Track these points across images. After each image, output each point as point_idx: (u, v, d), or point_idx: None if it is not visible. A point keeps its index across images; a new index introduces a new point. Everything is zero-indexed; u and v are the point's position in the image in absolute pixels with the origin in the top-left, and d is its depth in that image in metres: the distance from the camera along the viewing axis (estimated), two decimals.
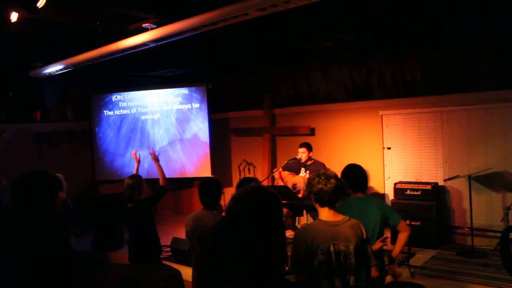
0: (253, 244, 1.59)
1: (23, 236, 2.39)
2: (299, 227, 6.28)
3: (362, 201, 3.44)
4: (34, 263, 2.32)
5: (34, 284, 2.32)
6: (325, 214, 2.73)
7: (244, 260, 1.60)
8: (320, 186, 2.68)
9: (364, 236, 2.77)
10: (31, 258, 2.32)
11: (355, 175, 3.48)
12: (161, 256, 5.65)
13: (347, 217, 2.76)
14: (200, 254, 3.74)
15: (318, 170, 2.81)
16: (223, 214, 1.76)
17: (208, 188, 3.82)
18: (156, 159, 5.10)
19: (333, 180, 2.69)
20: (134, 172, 5.21)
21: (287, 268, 3.52)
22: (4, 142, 8.00)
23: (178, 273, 3.38)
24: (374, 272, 2.82)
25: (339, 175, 3.60)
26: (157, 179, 4.95)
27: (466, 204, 6.35)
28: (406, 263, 5.44)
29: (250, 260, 1.60)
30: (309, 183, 2.76)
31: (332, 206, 2.74)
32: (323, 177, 2.69)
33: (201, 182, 3.91)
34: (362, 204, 3.38)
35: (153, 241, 4.57)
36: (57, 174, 3.65)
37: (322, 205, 2.73)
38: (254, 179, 3.82)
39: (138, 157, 5.44)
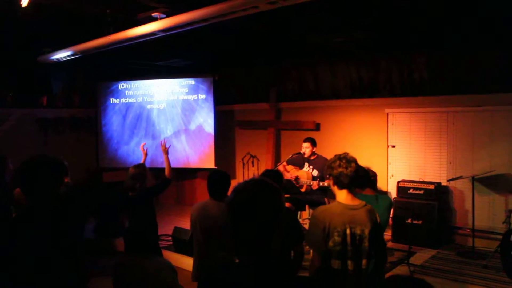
0: (254, 235, 1.62)
1: (30, 220, 2.41)
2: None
3: (365, 196, 3.47)
4: (42, 247, 2.34)
5: (41, 267, 2.34)
6: (343, 197, 2.80)
7: (246, 250, 1.63)
8: (340, 169, 2.75)
9: (378, 222, 2.84)
10: (40, 240, 2.34)
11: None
12: (162, 246, 5.72)
13: (363, 202, 2.82)
14: (203, 244, 3.76)
15: (338, 154, 2.86)
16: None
17: (217, 180, 3.83)
18: (166, 151, 5.12)
19: (353, 164, 2.77)
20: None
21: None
22: (9, 127, 8.03)
23: (171, 265, 3.41)
24: None
25: None
26: (161, 168, 4.98)
27: (468, 205, 6.35)
28: (405, 261, 5.47)
29: (252, 251, 1.63)
30: (329, 165, 2.82)
31: (350, 190, 2.80)
32: (344, 161, 2.77)
33: (210, 173, 3.93)
34: (364, 199, 3.37)
35: (151, 231, 4.60)
36: None
37: (341, 188, 2.79)
38: (276, 171, 3.86)
39: (145, 149, 5.48)
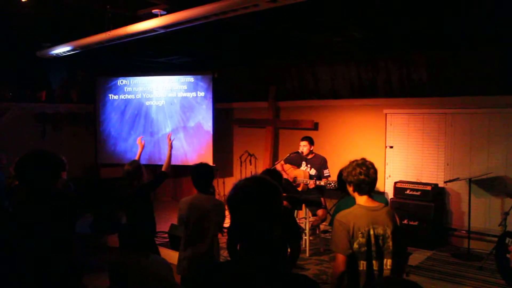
0: (253, 232, 1.63)
1: (27, 215, 2.41)
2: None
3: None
4: (38, 242, 2.34)
5: (35, 263, 2.34)
6: (364, 200, 2.87)
7: (246, 247, 1.65)
8: (362, 177, 2.81)
9: (398, 223, 2.91)
10: (35, 235, 2.34)
11: None
12: (159, 243, 5.71)
13: (382, 204, 2.90)
14: (195, 237, 3.77)
15: (355, 160, 2.91)
16: (216, 197, 1.82)
17: (203, 172, 3.89)
18: (171, 144, 5.14)
19: (372, 171, 2.84)
20: (136, 157, 5.22)
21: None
22: (7, 121, 8.01)
23: (166, 262, 3.42)
24: None
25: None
26: (158, 165, 4.98)
27: (464, 207, 6.37)
28: None
29: (250, 248, 1.64)
30: (349, 173, 2.87)
31: (370, 194, 2.88)
32: (364, 168, 2.83)
33: (194, 167, 3.96)
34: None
35: (149, 228, 4.61)
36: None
37: (362, 194, 2.86)
38: (276, 171, 3.87)
39: (143, 142, 5.46)
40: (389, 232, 2.78)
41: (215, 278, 1.67)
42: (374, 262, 2.76)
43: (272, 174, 3.68)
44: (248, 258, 1.65)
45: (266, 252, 1.64)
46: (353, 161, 2.91)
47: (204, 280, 1.71)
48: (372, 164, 2.88)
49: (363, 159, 2.90)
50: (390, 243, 2.77)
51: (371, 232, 2.75)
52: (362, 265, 2.75)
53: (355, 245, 2.74)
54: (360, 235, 2.74)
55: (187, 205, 3.85)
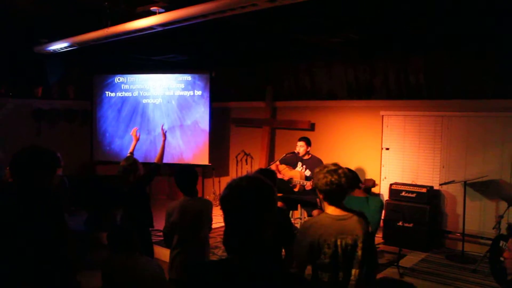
0: (246, 231, 1.62)
1: (21, 212, 2.40)
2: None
3: (358, 199, 3.48)
4: (31, 238, 2.33)
5: (29, 259, 2.33)
6: (332, 209, 2.72)
7: (239, 246, 1.64)
8: (334, 186, 2.64)
9: (370, 229, 2.77)
10: (28, 232, 2.33)
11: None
12: (154, 241, 5.69)
13: (350, 213, 2.73)
14: (187, 240, 3.77)
15: (327, 166, 2.74)
16: (211, 196, 1.83)
17: (187, 176, 3.88)
18: (164, 135, 5.18)
19: (344, 180, 2.66)
20: (131, 149, 5.20)
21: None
22: (3, 117, 7.98)
23: (157, 264, 3.41)
24: None
25: None
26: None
27: (459, 210, 6.39)
28: (395, 264, 5.50)
29: (243, 247, 1.63)
30: (319, 180, 2.70)
31: (340, 204, 2.72)
32: (335, 176, 2.65)
33: (179, 170, 3.95)
34: (358, 201, 3.40)
35: (145, 223, 4.60)
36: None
37: (331, 204, 2.72)
38: (270, 170, 3.86)
39: (138, 135, 5.42)
40: (359, 241, 2.64)
41: (207, 277, 1.66)
42: (340, 273, 2.62)
43: (266, 173, 3.66)
44: (240, 257, 1.64)
45: (259, 252, 1.63)
46: (324, 167, 2.73)
47: (194, 279, 1.70)
48: (344, 173, 2.69)
49: (337, 165, 2.72)
50: (359, 253, 2.64)
51: (338, 242, 2.61)
52: (326, 277, 2.62)
53: (322, 256, 2.61)
54: (326, 246, 2.60)
55: (178, 210, 3.80)
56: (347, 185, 2.67)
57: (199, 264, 2.16)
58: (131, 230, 3.43)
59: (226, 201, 1.65)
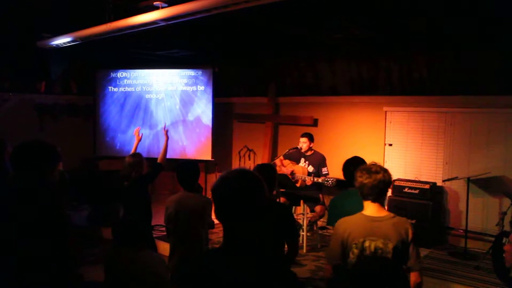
0: (235, 222, 1.70)
1: (22, 205, 2.40)
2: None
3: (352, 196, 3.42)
4: (31, 232, 2.33)
5: (30, 253, 2.33)
6: (368, 207, 2.67)
7: (229, 237, 1.70)
8: (363, 180, 2.63)
9: (409, 237, 2.60)
10: (28, 226, 2.34)
11: (352, 168, 3.48)
12: (156, 236, 5.70)
13: (392, 214, 2.66)
14: (184, 235, 3.76)
15: (364, 166, 2.73)
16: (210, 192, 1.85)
17: (188, 170, 3.86)
18: (166, 135, 5.15)
19: (377, 176, 2.62)
20: (133, 150, 5.20)
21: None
22: (5, 111, 7.99)
23: (161, 258, 3.41)
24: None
25: (340, 167, 3.61)
26: (157, 159, 4.96)
27: (462, 206, 6.37)
28: None
29: (234, 238, 1.70)
30: (355, 177, 2.70)
31: (375, 201, 2.65)
32: (365, 171, 2.64)
33: (179, 164, 3.94)
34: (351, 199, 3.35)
35: (144, 221, 4.60)
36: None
37: (365, 199, 2.68)
38: (269, 165, 3.84)
39: (140, 135, 5.44)
40: (390, 246, 2.53)
41: (202, 266, 1.73)
42: None
43: (264, 168, 3.63)
44: (231, 249, 1.70)
45: (250, 243, 1.69)
46: (360, 167, 2.72)
47: (191, 269, 1.76)
48: (380, 167, 2.66)
49: (371, 164, 2.70)
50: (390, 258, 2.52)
51: (366, 244, 2.54)
52: None
53: (351, 255, 2.55)
54: (353, 246, 2.55)
55: (174, 204, 3.80)
56: (383, 179, 2.62)
57: (194, 257, 2.19)
58: (136, 224, 3.42)
59: (216, 193, 1.72)
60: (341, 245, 2.58)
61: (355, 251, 2.55)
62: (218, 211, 1.72)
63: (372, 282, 1.77)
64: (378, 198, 2.65)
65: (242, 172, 1.75)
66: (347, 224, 2.63)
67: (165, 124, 5.45)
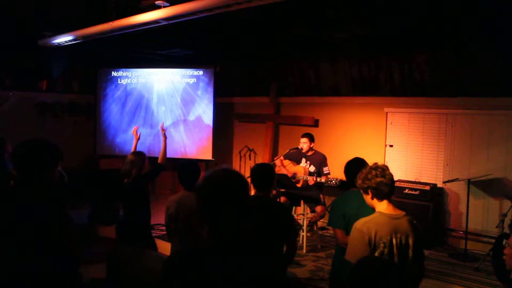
0: (218, 221, 1.72)
1: (23, 205, 2.40)
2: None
3: (361, 195, 3.43)
4: (32, 231, 2.34)
5: (31, 253, 2.33)
6: (384, 207, 2.73)
7: (214, 235, 1.73)
8: (379, 179, 2.68)
9: (421, 231, 2.77)
10: (29, 225, 2.34)
11: (354, 169, 3.47)
12: (156, 235, 5.70)
13: (404, 212, 2.76)
14: (184, 235, 3.76)
15: (369, 166, 2.78)
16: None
17: (189, 170, 3.86)
18: (164, 135, 5.15)
19: (388, 172, 2.70)
20: (132, 149, 5.20)
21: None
22: (7, 110, 7.99)
23: (163, 258, 3.40)
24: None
25: (342, 168, 3.61)
26: (157, 158, 4.96)
27: (463, 208, 6.37)
28: None
29: (218, 237, 1.72)
30: (366, 178, 2.73)
31: (390, 199, 2.74)
32: (379, 170, 2.70)
33: (180, 164, 3.94)
34: (361, 197, 3.36)
35: (144, 219, 4.60)
36: None
37: (381, 199, 2.72)
38: (268, 165, 3.82)
39: (138, 134, 5.44)
40: (411, 241, 2.65)
41: (180, 268, 1.74)
42: None
43: (262, 168, 3.61)
44: (216, 248, 1.72)
45: (233, 242, 1.71)
46: (373, 167, 2.76)
47: (174, 267, 1.76)
48: (386, 167, 2.76)
49: (376, 163, 2.78)
50: (410, 253, 2.65)
51: (394, 241, 2.62)
52: None
53: (376, 255, 2.60)
54: (382, 245, 2.60)
55: (175, 203, 3.80)
56: (392, 177, 2.72)
57: (176, 255, 2.20)
58: (140, 223, 3.42)
59: (200, 192, 1.75)
60: (369, 244, 2.60)
61: (383, 249, 2.60)
62: (202, 210, 1.74)
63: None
64: (392, 196, 2.76)
65: (226, 171, 1.77)
66: (371, 224, 2.65)
67: (163, 123, 5.42)
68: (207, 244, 1.75)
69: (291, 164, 6.36)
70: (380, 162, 2.82)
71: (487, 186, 6.27)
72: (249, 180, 2.70)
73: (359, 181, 2.78)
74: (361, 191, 2.83)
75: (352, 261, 2.62)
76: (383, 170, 2.71)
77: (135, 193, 4.54)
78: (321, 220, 6.33)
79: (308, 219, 6.28)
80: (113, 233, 3.93)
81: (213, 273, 1.66)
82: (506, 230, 5.42)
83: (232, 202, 1.71)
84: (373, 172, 2.70)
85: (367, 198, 2.79)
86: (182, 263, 1.76)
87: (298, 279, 5.20)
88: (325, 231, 6.96)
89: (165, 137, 5.19)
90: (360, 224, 2.69)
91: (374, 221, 2.67)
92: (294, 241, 3.61)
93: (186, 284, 1.70)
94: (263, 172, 3.48)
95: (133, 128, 5.56)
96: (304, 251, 6.11)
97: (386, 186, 2.68)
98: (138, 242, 3.31)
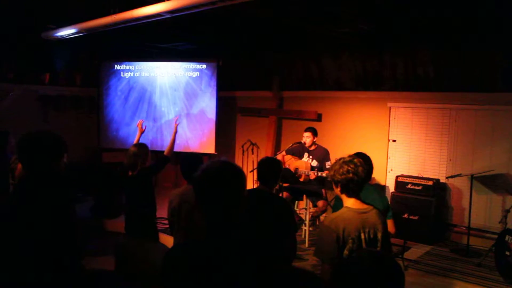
0: (215, 212, 1.74)
1: (28, 197, 2.40)
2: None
3: (365, 190, 3.42)
4: (37, 224, 2.34)
5: (35, 245, 2.34)
6: (352, 202, 2.69)
7: (211, 226, 1.74)
8: (350, 175, 2.61)
9: (387, 224, 2.77)
10: (34, 218, 2.34)
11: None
12: (159, 228, 5.71)
13: (371, 206, 2.72)
14: (187, 229, 3.77)
15: (342, 157, 2.70)
16: None
17: (192, 164, 3.83)
18: (176, 129, 5.17)
19: (361, 169, 2.63)
20: (135, 141, 5.19)
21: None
22: (10, 103, 7.99)
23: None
24: None
25: None
26: (160, 152, 4.96)
27: (465, 203, 6.36)
28: (400, 256, 5.49)
29: (215, 228, 1.74)
30: (336, 172, 2.66)
31: (359, 196, 2.70)
32: (352, 165, 2.62)
33: (183, 157, 3.93)
34: (364, 193, 3.35)
35: (150, 212, 4.60)
36: None
37: (350, 195, 2.68)
38: (276, 159, 3.82)
39: (144, 128, 5.43)
40: (379, 235, 2.63)
41: (179, 259, 1.75)
42: None
43: (272, 162, 3.62)
44: (212, 239, 1.73)
45: (228, 233, 1.73)
46: (339, 159, 2.69)
47: (168, 260, 1.78)
48: (361, 162, 2.66)
49: (352, 156, 2.69)
50: (379, 246, 2.63)
51: (362, 236, 2.59)
52: None
53: (345, 252, 2.56)
54: (350, 241, 2.56)
55: (178, 197, 3.79)
56: (364, 174, 2.64)
57: (174, 247, 2.20)
58: (149, 217, 3.43)
59: (197, 183, 1.77)
60: (337, 241, 2.56)
61: (352, 245, 2.56)
62: (199, 202, 1.76)
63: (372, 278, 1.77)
64: (360, 191, 2.70)
65: (222, 163, 1.79)
66: (339, 220, 2.61)
67: (178, 117, 5.43)
68: (204, 235, 1.76)
69: (293, 159, 6.36)
70: (336, 156, 2.75)
71: (490, 182, 6.25)
72: (255, 172, 2.71)
73: (330, 172, 2.72)
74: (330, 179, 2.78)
75: (320, 259, 2.63)
76: (356, 166, 2.62)
77: (141, 186, 4.52)
78: (323, 214, 6.33)
79: (310, 214, 6.28)
80: (121, 226, 3.95)
81: (208, 264, 1.67)
82: (509, 226, 5.42)
83: (227, 193, 1.73)
84: (345, 167, 2.62)
85: (336, 190, 2.73)
86: (179, 254, 1.78)
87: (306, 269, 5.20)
88: None
89: (176, 131, 5.21)
90: (328, 221, 2.66)
91: (342, 217, 2.63)
92: (294, 235, 3.61)
93: (183, 275, 1.71)
94: (269, 164, 3.49)
95: (138, 121, 5.54)
96: (306, 245, 6.12)
97: (356, 185, 2.63)
98: (146, 234, 3.32)
